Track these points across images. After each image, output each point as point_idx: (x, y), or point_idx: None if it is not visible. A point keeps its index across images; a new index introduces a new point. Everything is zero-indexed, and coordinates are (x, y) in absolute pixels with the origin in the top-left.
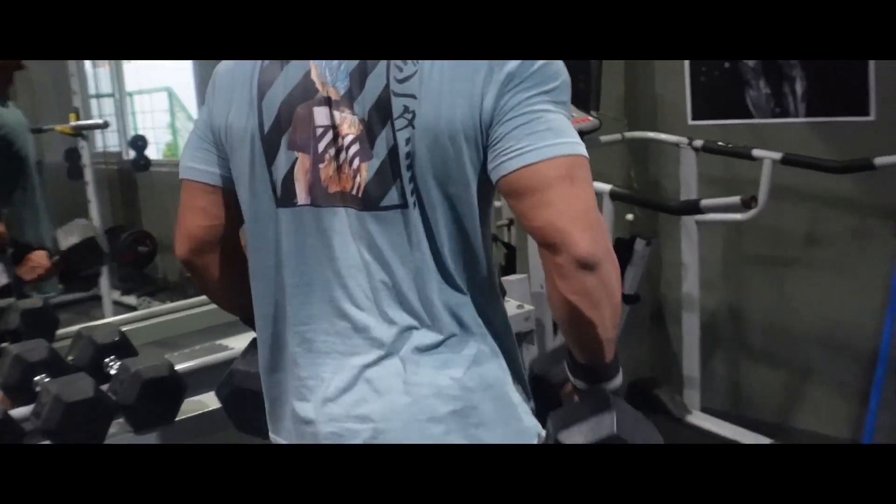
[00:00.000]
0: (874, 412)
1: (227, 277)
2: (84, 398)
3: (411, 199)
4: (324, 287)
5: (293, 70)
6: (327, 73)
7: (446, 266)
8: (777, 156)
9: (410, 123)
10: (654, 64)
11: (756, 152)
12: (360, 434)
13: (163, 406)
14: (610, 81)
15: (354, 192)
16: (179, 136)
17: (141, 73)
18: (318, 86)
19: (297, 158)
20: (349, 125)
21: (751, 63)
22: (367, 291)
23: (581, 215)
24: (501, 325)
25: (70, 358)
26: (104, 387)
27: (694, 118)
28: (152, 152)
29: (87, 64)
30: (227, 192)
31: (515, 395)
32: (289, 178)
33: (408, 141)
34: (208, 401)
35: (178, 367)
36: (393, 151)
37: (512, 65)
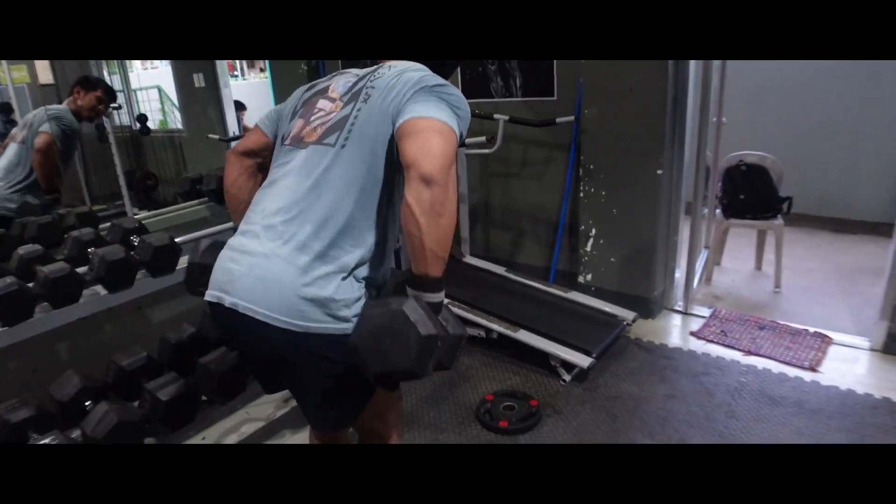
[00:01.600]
0: (557, 251)
1: (243, 181)
2: (119, 258)
3: (341, 143)
4: (270, 190)
5: (321, 83)
6: (338, 85)
7: (347, 198)
8: (506, 118)
9: (365, 101)
10: None
11: (496, 116)
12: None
13: (167, 261)
14: None
15: (314, 139)
16: (168, 115)
17: (140, 77)
18: (330, 91)
19: (297, 122)
20: (332, 107)
21: (492, 67)
22: (286, 200)
23: (433, 151)
24: (370, 268)
25: (108, 238)
26: (131, 253)
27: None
28: (150, 125)
29: (105, 72)
30: (268, 138)
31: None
32: (290, 132)
33: (358, 111)
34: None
35: (176, 239)
36: (346, 118)
37: (429, 80)
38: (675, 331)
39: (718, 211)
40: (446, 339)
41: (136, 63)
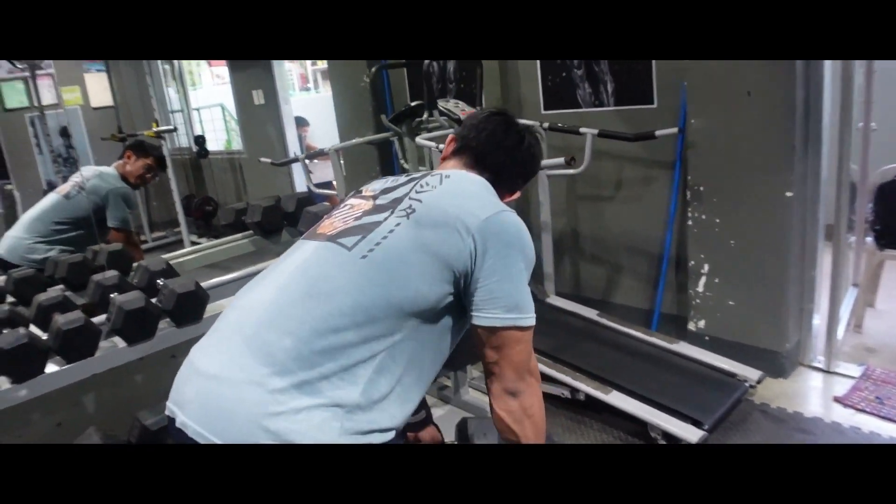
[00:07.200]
0: (661, 291)
1: None
2: (137, 308)
3: (361, 252)
4: (256, 285)
5: (363, 186)
6: (375, 183)
7: (346, 321)
8: (595, 131)
9: (407, 217)
10: (519, 73)
11: (582, 129)
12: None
13: (192, 310)
14: (491, 85)
15: (329, 233)
16: (231, 135)
17: (203, 95)
18: (366, 192)
19: (323, 221)
20: (363, 206)
21: (579, 71)
22: (269, 301)
23: (516, 362)
24: (366, 408)
25: (134, 281)
26: (154, 299)
27: (545, 109)
28: (212, 146)
29: (164, 89)
30: None
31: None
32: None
33: (397, 225)
34: (224, 305)
35: (203, 283)
36: (377, 224)
37: (499, 233)
38: (813, 395)
39: (869, 239)
40: None
41: (206, 78)
